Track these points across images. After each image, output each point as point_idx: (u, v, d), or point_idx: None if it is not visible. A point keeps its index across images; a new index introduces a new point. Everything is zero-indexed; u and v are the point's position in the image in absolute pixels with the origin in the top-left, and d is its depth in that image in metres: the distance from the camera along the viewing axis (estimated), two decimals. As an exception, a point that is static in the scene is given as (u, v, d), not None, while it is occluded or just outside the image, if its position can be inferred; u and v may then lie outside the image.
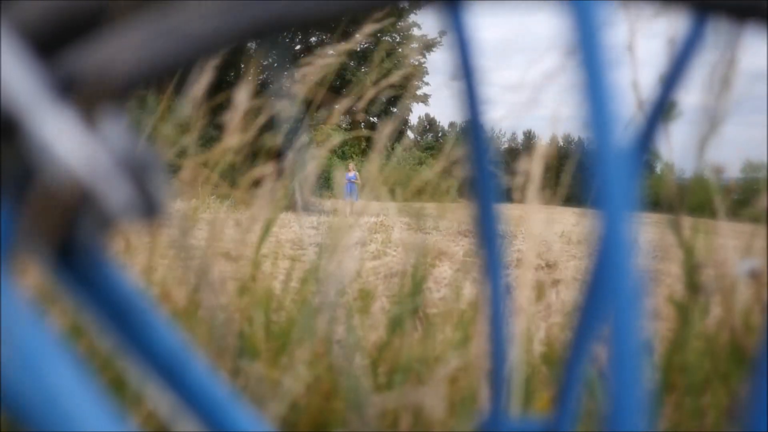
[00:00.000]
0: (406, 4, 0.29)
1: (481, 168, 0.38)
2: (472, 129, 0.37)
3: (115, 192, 0.25)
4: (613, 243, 0.25)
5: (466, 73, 0.35)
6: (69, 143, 0.24)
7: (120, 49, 0.27)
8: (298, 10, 0.27)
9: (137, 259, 0.94)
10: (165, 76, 0.28)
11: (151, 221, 0.27)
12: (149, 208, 0.26)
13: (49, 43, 0.26)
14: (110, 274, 0.28)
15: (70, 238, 0.26)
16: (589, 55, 0.25)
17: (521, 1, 0.29)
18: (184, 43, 0.27)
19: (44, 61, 0.26)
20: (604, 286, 0.25)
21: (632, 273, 0.25)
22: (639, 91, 0.94)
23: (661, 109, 0.38)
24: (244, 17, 0.27)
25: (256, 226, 0.97)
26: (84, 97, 0.26)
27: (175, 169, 1.03)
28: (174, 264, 0.91)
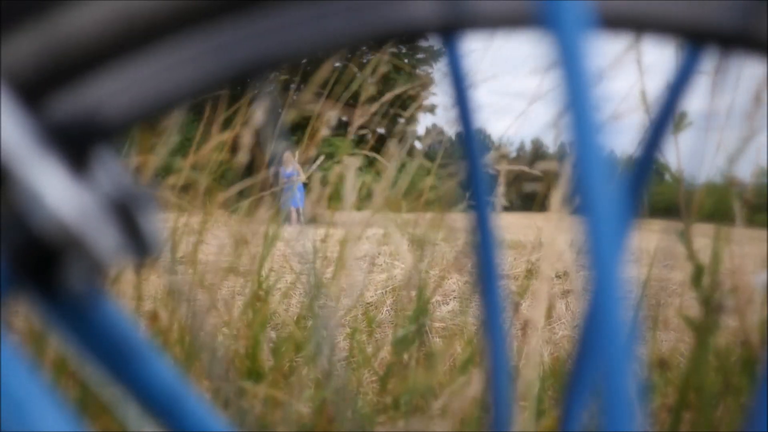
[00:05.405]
0: (396, 39, 0.29)
1: (475, 179, 0.37)
2: (466, 140, 0.36)
3: (106, 236, 0.25)
4: (600, 257, 0.24)
5: (459, 93, 0.34)
6: (58, 189, 0.24)
7: (109, 92, 0.26)
8: (288, 47, 0.27)
9: (139, 283, 0.94)
10: (155, 118, 0.27)
11: (144, 261, 0.26)
12: (141, 249, 0.26)
13: (37, 88, 0.26)
14: (104, 316, 0.28)
15: (61, 283, 0.25)
16: (571, 74, 0.24)
17: (510, 30, 0.29)
18: (175, 85, 0.27)
19: (32, 105, 0.26)
20: (597, 300, 0.25)
21: (621, 283, 0.24)
22: (646, 98, 0.93)
23: (667, 121, 0.37)
24: (234, 57, 0.27)
25: (259, 241, 0.96)
26: (73, 141, 0.25)
27: (179, 187, 1.03)
28: (175, 285, 0.91)
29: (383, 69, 1.40)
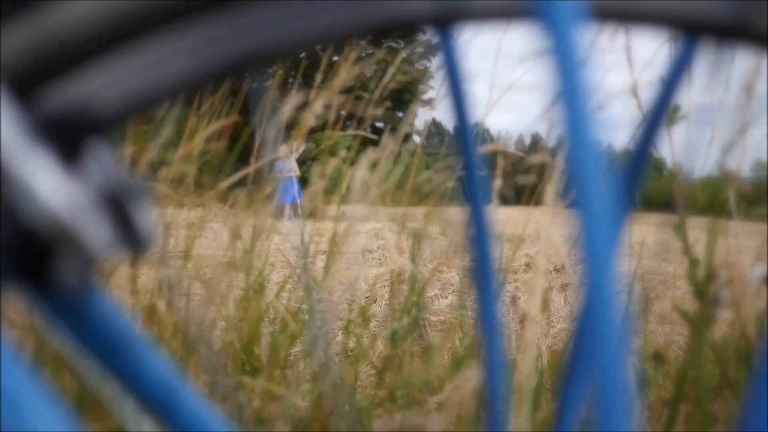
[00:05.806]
0: (392, 32, 0.29)
1: (470, 172, 0.37)
2: (462, 133, 0.36)
3: (98, 230, 0.25)
4: (595, 250, 0.24)
5: (455, 86, 0.34)
6: (49, 182, 0.24)
7: (100, 85, 0.26)
8: (281, 41, 0.27)
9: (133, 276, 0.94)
10: (147, 111, 0.27)
11: (137, 254, 0.26)
12: (134, 242, 0.26)
13: (28, 82, 0.26)
14: (98, 310, 0.27)
15: (53, 277, 0.25)
16: (565, 67, 0.24)
17: (506, 23, 0.29)
18: (167, 78, 0.26)
19: (23, 99, 0.25)
20: (592, 294, 0.25)
21: (616, 276, 0.24)
22: (638, 92, 0.93)
23: (661, 114, 0.37)
24: (226, 50, 0.26)
25: (253, 235, 0.96)
26: (64, 134, 0.25)
27: (175, 179, 1.03)
28: (172, 278, 0.90)
29: (379, 60, 1.39)
